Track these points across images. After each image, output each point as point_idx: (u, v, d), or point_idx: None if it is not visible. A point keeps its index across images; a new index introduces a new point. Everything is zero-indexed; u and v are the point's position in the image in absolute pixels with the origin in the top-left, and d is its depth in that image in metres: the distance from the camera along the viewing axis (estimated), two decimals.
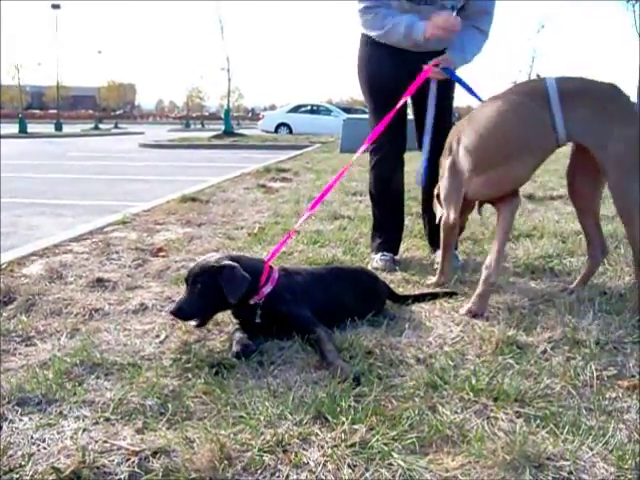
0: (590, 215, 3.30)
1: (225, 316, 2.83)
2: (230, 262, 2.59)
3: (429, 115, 3.66)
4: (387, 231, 4.04)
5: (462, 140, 3.12)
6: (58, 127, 38.54)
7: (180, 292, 3.22)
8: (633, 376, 2.27)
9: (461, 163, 3.12)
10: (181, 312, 2.54)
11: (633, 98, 3.27)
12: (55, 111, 50.41)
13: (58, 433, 1.86)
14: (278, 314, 2.60)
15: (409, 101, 3.83)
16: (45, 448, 1.77)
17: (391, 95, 3.68)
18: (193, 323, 2.65)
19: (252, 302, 2.61)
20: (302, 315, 2.60)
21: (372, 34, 3.73)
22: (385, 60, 3.77)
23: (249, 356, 2.40)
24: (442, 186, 3.28)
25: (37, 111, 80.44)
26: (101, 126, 44.86)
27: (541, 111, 2.85)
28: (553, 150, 2.97)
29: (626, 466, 1.64)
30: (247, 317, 2.64)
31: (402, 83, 3.64)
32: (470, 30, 3.66)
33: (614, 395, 2.13)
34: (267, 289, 2.63)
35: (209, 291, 2.53)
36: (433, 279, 3.48)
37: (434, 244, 4.02)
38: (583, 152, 2.96)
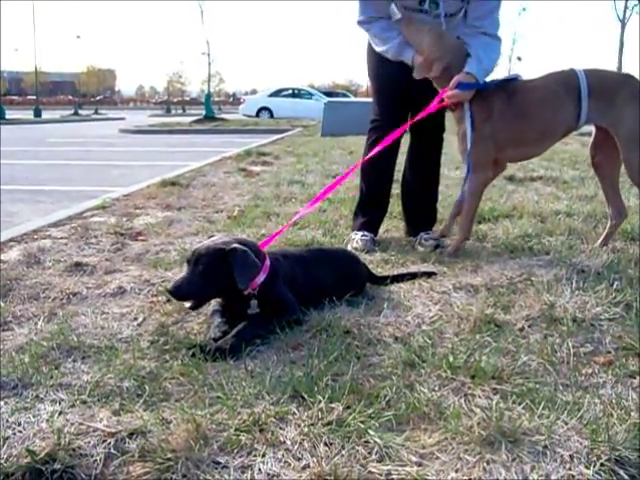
0: (609, 183, 3.76)
1: None
2: (241, 246, 2.48)
3: (468, 131, 3.51)
4: (372, 211, 4.09)
5: (502, 117, 3.47)
6: (37, 113, 38.23)
7: (159, 275, 3.23)
8: (609, 352, 2.30)
9: (499, 135, 3.48)
10: (179, 291, 2.41)
11: None
12: (34, 97, 49.94)
13: (34, 417, 1.84)
14: (270, 302, 2.53)
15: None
16: (20, 432, 1.76)
17: (393, 81, 3.79)
18: (187, 304, 2.52)
19: (246, 292, 2.51)
20: (290, 299, 2.59)
21: (376, 49, 3.77)
22: None
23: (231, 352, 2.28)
24: (476, 151, 3.50)
25: (15, 97, 79.71)
26: (81, 112, 44.56)
27: (571, 102, 3.39)
28: (570, 132, 3.63)
29: (599, 439, 1.65)
30: (239, 307, 2.53)
31: (407, 73, 3.65)
32: (480, 39, 3.55)
33: (590, 371, 2.15)
34: (261, 278, 2.53)
35: (213, 273, 2.42)
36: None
37: (412, 229, 4.12)
38: (602, 131, 3.51)
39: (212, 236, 2.67)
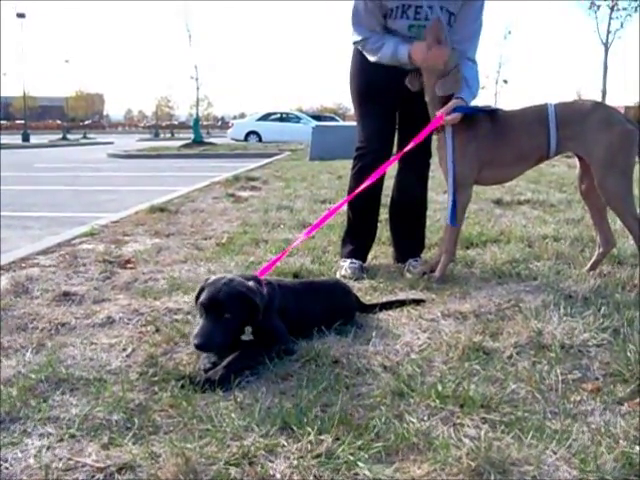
0: (597, 211, 3.81)
1: (192, 328, 2.81)
2: (253, 283, 2.54)
3: (449, 158, 3.55)
4: (360, 238, 4.06)
5: (484, 139, 3.61)
6: (25, 138, 38.19)
7: (148, 304, 3.21)
8: (597, 379, 2.30)
9: (479, 156, 3.61)
10: (209, 344, 2.40)
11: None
12: (22, 122, 49.88)
13: (21, 452, 1.83)
14: (262, 329, 2.55)
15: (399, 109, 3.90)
16: (7, 468, 1.74)
17: (379, 104, 3.80)
18: (208, 365, 2.43)
19: None
20: (281, 328, 2.60)
21: (371, 60, 3.76)
22: (375, 70, 3.76)
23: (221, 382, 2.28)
24: (459, 171, 3.61)
25: (4, 122, 79.43)
26: (69, 136, 44.43)
27: (542, 132, 3.54)
28: (543, 160, 3.77)
29: (588, 469, 1.66)
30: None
31: (391, 93, 3.72)
32: (467, 64, 3.62)
33: (578, 398, 2.15)
34: None
35: (237, 318, 2.46)
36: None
37: (400, 255, 4.11)
38: (585, 160, 3.60)
39: (209, 278, 2.62)
